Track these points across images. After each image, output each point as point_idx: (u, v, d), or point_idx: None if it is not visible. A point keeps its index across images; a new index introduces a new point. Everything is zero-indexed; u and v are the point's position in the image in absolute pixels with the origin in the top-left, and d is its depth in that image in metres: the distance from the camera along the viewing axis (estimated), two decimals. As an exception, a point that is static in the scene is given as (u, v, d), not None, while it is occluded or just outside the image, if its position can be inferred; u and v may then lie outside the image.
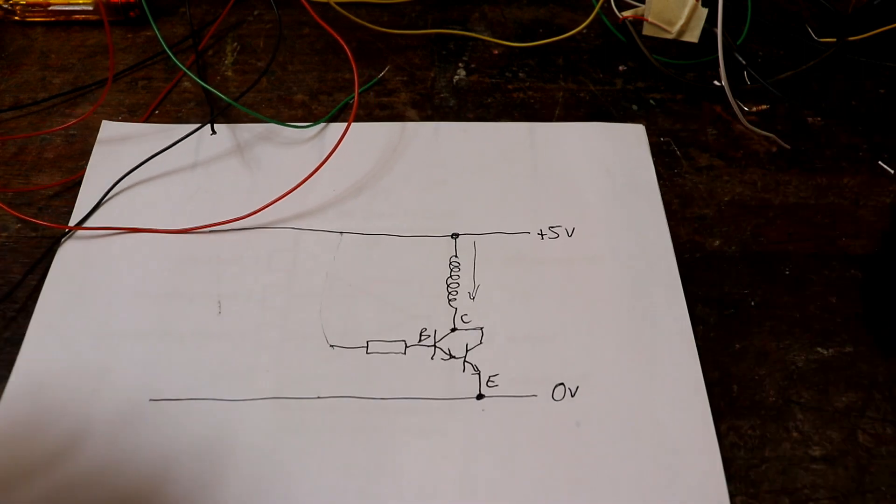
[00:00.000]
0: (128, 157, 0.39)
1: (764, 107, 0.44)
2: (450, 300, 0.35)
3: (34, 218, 0.37)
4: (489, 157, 0.41)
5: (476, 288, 0.35)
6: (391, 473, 0.29)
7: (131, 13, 0.48)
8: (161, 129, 0.42)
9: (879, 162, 0.41)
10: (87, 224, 0.37)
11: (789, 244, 0.37)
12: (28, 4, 0.47)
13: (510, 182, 0.40)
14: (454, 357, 0.33)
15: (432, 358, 0.33)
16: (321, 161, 0.39)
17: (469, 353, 0.33)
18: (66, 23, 0.48)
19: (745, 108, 0.44)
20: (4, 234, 0.37)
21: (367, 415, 0.31)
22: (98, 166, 0.39)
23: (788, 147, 0.42)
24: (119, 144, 0.41)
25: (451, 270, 0.36)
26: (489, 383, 0.32)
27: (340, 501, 0.29)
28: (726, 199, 0.39)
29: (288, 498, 0.29)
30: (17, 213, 0.37)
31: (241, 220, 0.37)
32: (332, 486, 0.29)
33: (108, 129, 0.41)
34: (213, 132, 0.41)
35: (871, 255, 0.37)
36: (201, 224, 0.37)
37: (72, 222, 0.37)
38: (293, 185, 0.38)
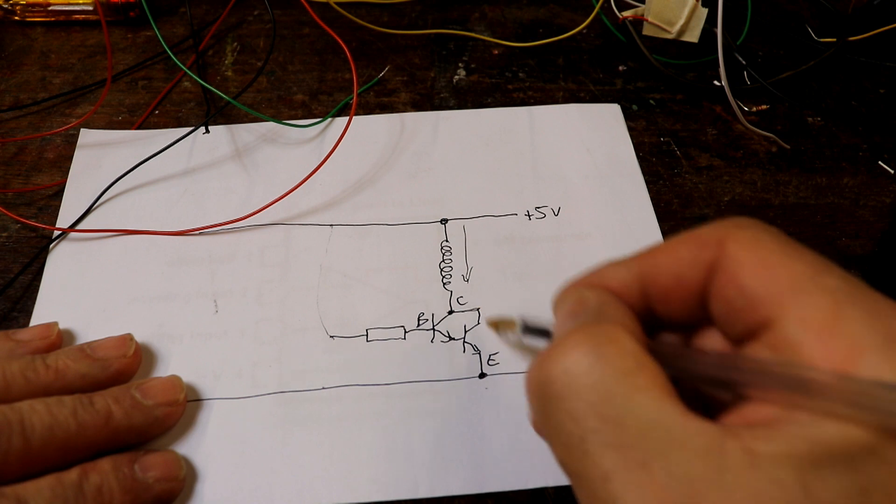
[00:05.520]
0: (121, 161, 0.39)
1: (764, 107, 0.44)
2: (444, 283, 0.35)
3: (33, 219, 0.37)
4: (471, 143, 0.41)
5: (469, 270, 0.36)
6: (401, 457, 0.30)
7: (131, 13, 0.48)
8: (151, 134, 0.42)
9: (879, 162, 0.41)
10: (79, 227, 0.37)
11: (789, 244, 0.37)
12: (28, 4, 0.47)
13: (494, 166, 0.40)
14: (453, 339, 0.33)
15: (432, 341, 0.33)
16: (318, 159, 0.38)
17: (468, 333, 0.33)
18: (66, 23, 0.48)
19: (745, 108, 0.44)
20: (4, 235, 0.37)
21: (373, 401, 0.31)
22: (81, 173, 0.39)
23: (788, 147, 0.42)
24: (106, 149, 0.40)
25: (444, 255, 0.36)
26: (490, 362, 0.32)
27: (354, 487, 0.29)
28: (726, 199, 0.39)
29: (302, 490, 0.29)
30: (11, 215, 0.37)
31: (240, 221, 0.37)
32: (344, 473, 0.29)
33: (87, 136, 0.41)
34: (207, 131, 0.41)
35: (871, 255, 0.37)
36: (199, 226, 0.37)
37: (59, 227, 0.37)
38: (287, 184, 0.38)
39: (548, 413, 0.19)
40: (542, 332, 0.28)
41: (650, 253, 0.22)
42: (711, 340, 0.22)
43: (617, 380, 0.18)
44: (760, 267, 0.19)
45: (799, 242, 0.20)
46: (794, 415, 0.17)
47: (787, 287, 0.18)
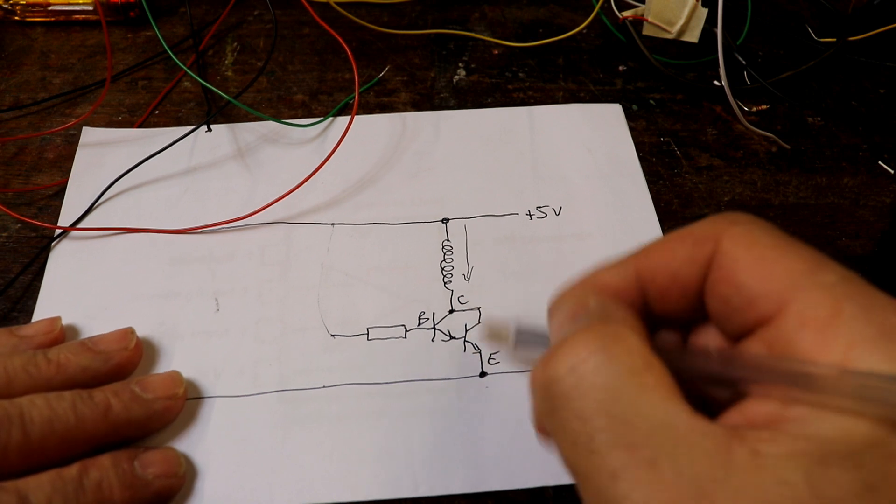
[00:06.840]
0: (123, 159, 0.39)
1: (764, 107, 0.44)
2: (445, 283, 0.35)
3: (33, 219, 0.37)
4: (472, 143, 0.41)
5: (470, 269, 0.36)
6: (401, 456, 0.30)
7: (131, 13, 0.48)
8: (152, 132, 0.42)
9: (879, 162, 0.41)
10: (81, 225, 0.37)
11: (789, 244, 0.37)
12: (28, 4, 0.47)
13: (495, 166, 0.40)
14: (454, 338, 0.33)
15: (433, 340, 0.33)
16: (319, 159, 0.39)
17: (468, 332, 0.33)
18: (66, 23, 0.48)
19: (745, 108, 0.44)
20: (4, 235, 0.37)
21: (373, 400, 0.31)
22: (82, 172, 0.39)
23: (788, 147, 0.42)
24: (108, 147, 0.40)
25: (445, 254, 0.36)
26: (490, 361, 0.33)
27: (354, 486, 0.29)
28: (726, 199, 0.39)
29: (302, 489, 0.29)
30: (13, 213, 0.37)
31: (241, 220, 0.37)
32: (344, 472, 0.29)
33: (89, 135, 0.41)
34: (209, 129, 0.41)
35: (871, 255, 0.37)
36: (201, 224, 0.37)
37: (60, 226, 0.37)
38: (288, 183, 0.38)
39: (553, 412, 0.18)
40: (537, 340, 0.25)
41: (645, 251, 0.22)
42: (708, 337, 0.22)
43: (625, 379, 0.18)
44: (757, 264, 0.19)
45: (794, 237, 0.20)
46: (795, 412, 0.17)
47: (785, 284, 0.18)
